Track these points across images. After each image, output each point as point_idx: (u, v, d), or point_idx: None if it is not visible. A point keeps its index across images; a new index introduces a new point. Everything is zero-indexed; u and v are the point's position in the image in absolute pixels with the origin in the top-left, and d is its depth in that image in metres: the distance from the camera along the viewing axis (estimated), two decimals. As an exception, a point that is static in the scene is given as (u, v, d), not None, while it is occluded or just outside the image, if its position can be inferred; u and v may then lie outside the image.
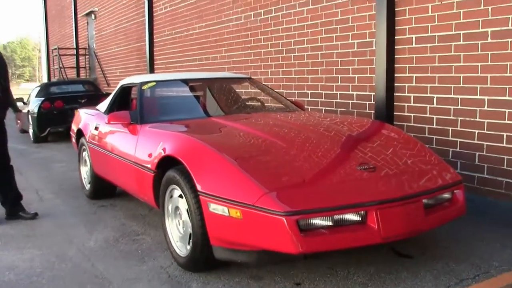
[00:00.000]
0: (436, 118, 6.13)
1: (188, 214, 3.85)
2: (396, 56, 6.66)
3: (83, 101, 12.54)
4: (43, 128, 12.57)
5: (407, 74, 6.50)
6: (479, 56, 5.59)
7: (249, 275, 3.90)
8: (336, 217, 3.38)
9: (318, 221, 3.35)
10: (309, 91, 8.27)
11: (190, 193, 3.78)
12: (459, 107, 5.83)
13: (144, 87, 5.58)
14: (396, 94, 6.67)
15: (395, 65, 6.67)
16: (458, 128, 5.85)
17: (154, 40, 14.17)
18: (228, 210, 3.47)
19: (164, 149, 4.27)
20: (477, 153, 5.66)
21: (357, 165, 3.78)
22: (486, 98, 5.53)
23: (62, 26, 25.94)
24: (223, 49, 10.71)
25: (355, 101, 7.36)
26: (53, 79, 23.63)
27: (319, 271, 3.90)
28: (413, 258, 4.09)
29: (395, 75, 6.67)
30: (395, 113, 6.71)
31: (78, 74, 22.44)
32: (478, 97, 5.61)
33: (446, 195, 3.94)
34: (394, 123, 6.67)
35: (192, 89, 6.08)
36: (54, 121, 12.47)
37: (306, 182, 3.52)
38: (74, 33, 23.15)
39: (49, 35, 29.20)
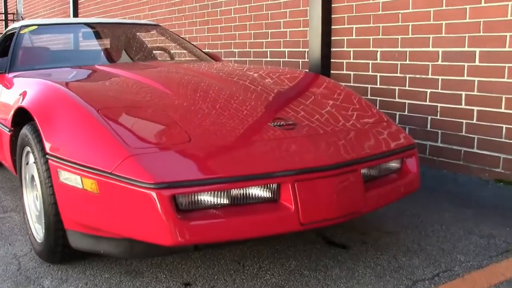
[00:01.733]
0: (380, 76, 5.11)
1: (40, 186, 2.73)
2: (333, 5, 5.63)
3: None
4: None
5: (346, 26, 5.46)
6: (431, 0, 4.57)
7: (125, 270, 2.82)
8: (235, 192, 2.30)
9: (206, 198, 2.26)
10: (236, 50, 7.18)
11: (40, 157, 2.69)
12: (407, 62, 4.83)
13: (23, 31, 4.48)
14: (334, 49, 5.62)
15: (332, 16, 5.63)
16: (406, 88, 4.85)
17: (78, 1, 12.89)
18: (82, 180, 2.38)
19: (21, 99, 3.12)
20: (429, 117, 4.67)
21: (270, 120, 2.67)
22: (440, 50, 4.54)
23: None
24: (146, 7, 9.54)
25: (286, 59, 6.30)
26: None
27: (219, 266, 2.83)
28: (348, 249, 3.03)
29: (332, 27, 5.63)
30: (332, 72, 5.67)
31: (6, 39, 20.81)
32: (430, 49, 4.61)
33: (394, 164, 2.90)
34: (331, 84, 5.61)
35: (83, 35, 4.90)
36: None
37: (193, 141, 2.40)
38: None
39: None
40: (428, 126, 4.68)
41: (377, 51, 5.11)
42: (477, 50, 4.24)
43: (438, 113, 4.58)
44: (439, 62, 4.53)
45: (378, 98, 5.13)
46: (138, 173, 2.16)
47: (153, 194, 2.12)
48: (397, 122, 4.93)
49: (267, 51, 6.60)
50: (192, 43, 5.52)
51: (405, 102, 4.87)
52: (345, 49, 5.48)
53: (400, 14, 4.87)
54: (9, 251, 3.12)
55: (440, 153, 4.59)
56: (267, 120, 2.67)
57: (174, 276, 2.74)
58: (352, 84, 5.39)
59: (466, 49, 4.32)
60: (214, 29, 7.60)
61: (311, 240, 3.16)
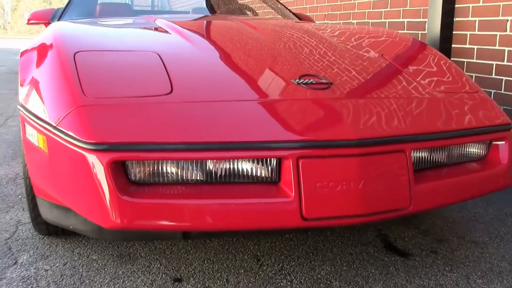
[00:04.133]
0: (508, 51, 4.16)
1: None
2: (461, -35, 4.70)
3: None
4: None
5: (473, -10, 4.54)
6: None
7: (118, 253, 2.35)
8: (211, 165, 1.66)
9: (172, 170, 1.65)
10: (354, 21, 6.44)
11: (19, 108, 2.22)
12: (544, 33, 3.86)
13: None
14: (456, 19, 4.72)
15: (459, -22, 4.71)
16: (540, 66, 3.88)
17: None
18: (37, 136, 1.90)
19: None
20: None
21: (296, 77, 2.00)
22: None
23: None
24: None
25: (405, 30, 5.46)
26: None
27: (232, 261, 2.25)
28: (409, 259, 2.29)
29: (457, -8, 4.71)
30: (453, 46, 4.77)
31: None
32: None
33: (474, 150, 2.10)
34: (452, 59, 4.74)
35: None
36: None
37: (175, 94, 1.82)
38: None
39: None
40: (563, 114, 3.70)
41: (507, 20, 4.17)
42: None
43: None
44: None
45: (504, 78, 4.20)
46: (80, 128, 1.62)
47: (89, 156, 1.55)
48: (523, 107, 4.00)
49: (386, 22, 5.80)
50: (284, 5, 4.89)
51: (537, 84, 3.92)
52: (469, 18, 4.57)
53: (539, -26, 3.91)
54: (16, 217, 2.77)
55: None
56: (293, 76, 2.00)
57: (170, 268, 2.20)
58: (474, 60, 4.49)
59: None
60: (334, -2, 6.90)
61: (366, 240, 2.46)
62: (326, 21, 7.07)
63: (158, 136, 1.61)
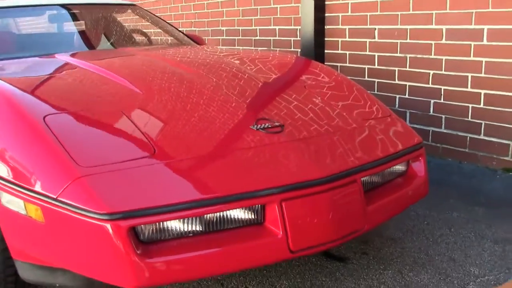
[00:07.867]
0: (378, 56, 4.69)
1: None
2: (327, -22, 5.16)
3: None
4: None
5: (340, 1, 5.02)
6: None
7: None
8: (209, 217, 1.90)
9: (175, 226, 1.87)
10: (224, 28, 6.74)
11: None
12: (407, 40, 4.41)
13: None
14: (328, 27, 5.19)
15: (326, -10, 5.17)
16: (407, 68, 4.44)
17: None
18: (25, 205, 1.97)
19: None
20: (432, 101, 4.27)
21: (253, 122, 2.27)
22: (444, 27, 4.15)
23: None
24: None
25: (277, 37, 5.87)
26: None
27: (196, 286, 2.44)
28: (347, 263, 2.66)
29: (326, 2, 5.17)
30: (326, 51, 5.24)
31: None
32: (433, 26, 4.20)
33: (399, 167, 2.50)
34: (325, 63, 5.20)
35: (49, 18, 4.36)
36: None
37: (158, 154, 2.00)
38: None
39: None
40: (431, 110, 4.29)
41: (375, 28, 4.69)
42: (486, 27, 3.82)
43: (442, 96, 4.19)
44: (443, 41, 4.13)
45: (376, 80, 4.73)
46: (89, 199, 1.77)
47: (107, 226, 1.73)
48: (396, 106, 4.54)
49: (257, 29, 6.16)
50: (171, 24, 5.10)
51: (406, 85, 4.47)
52: (340, 26, 5.05)
53: (399, -12, 4.44)
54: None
55: (444, 140, 4.21)
56: (249, 122, 2.27)
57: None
58: (347, 64, 4.98)
59: (473, 26, 3.90)
60: (200, 5, 7.14)
61: (305, 251, 2.78)
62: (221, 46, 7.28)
63: (162, 198, 1.81)
